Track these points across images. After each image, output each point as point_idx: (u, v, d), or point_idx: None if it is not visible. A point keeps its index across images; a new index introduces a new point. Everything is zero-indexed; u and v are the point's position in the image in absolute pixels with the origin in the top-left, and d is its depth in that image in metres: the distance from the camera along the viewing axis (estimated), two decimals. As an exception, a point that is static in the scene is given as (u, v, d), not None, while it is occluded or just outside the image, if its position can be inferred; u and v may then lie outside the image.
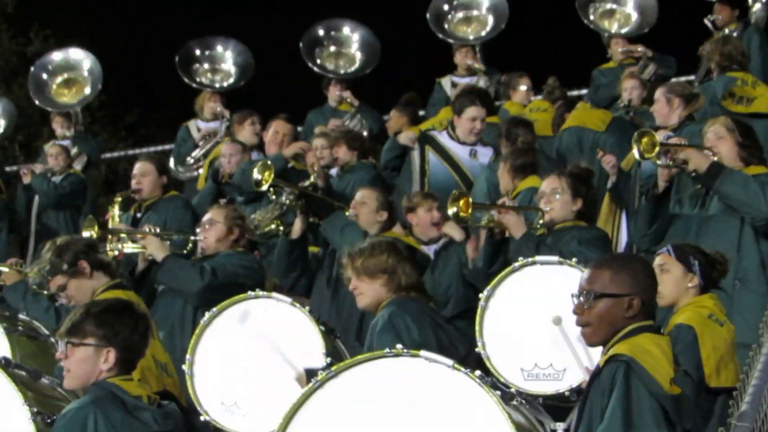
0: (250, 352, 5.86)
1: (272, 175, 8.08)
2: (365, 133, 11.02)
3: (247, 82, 12.48)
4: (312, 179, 8.80)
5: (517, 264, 5.84)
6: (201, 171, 10.90)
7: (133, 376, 4.63)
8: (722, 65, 9.40)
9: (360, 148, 9.70)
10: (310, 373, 5.36)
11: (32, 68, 12.87)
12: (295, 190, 8.11)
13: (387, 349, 4.28)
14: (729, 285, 5.98)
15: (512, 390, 4.69)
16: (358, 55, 12.39)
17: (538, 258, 5.85)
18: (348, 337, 6.69)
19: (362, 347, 5.87)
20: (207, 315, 6.02)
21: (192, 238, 7.38)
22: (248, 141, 10.29)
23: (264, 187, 8.11)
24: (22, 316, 6.79)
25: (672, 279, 5.41)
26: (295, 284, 7.76)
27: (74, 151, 11.65)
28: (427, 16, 12.30)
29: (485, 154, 9.19)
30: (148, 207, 8.74)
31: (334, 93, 11.81)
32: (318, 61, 12.28)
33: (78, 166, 11.59)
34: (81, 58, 12.56)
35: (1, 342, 6.28)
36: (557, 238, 6.65)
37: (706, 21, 11.32)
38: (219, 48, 12.62)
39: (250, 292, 6.02)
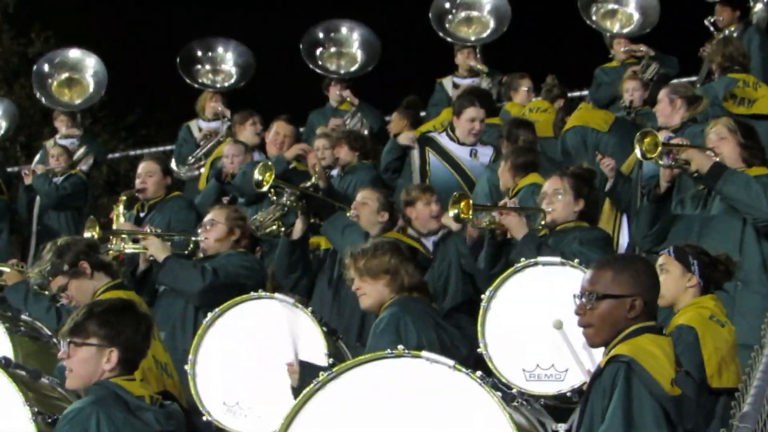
0: (252, 352, 5.86)
1: (273, 176, 8.08)
2: (366, 132, 11.03)
3: (248, 82, 12.49)
4: (313, 180, 8.81)
5: (519, 265, 5.85)
6: (202, 170, 10.90)
7: (135, 376, 4.63)
8: (723, 66, 9.39)
9: (361, 148, 9.71)
10: (305, 366, 5.37)
11: (38, 62, 12.91)
12: (296, 191, 8.10)
13: (388, 350, 4.29)
14: (731, 286, 5.97)
15: (514, 391, 4.71)
16: (359, 54, 12.40)
17: (540, 259, 5.85)
18: (349, 338, 6.69)
19: (364, 348, 5.87)
20: (209, 315, 6.02)
21: (193, 238, 7.38)
22: (249, 141, 10.30)
23: (265, 188, 8.10)
24: (24, 317, 6.80)
25: (671, 279, 5.41)
26: (296, 285, 7.75)
27: (81, 151, 11.67)
28: (430, 15, 12.31)
29: (485, 153, 9.19)
30: (152, 207, 8.74)
31: (334, 93, 11.82)
32: (320, 63, 12.29)
33: (85, 167, 11.62)
34: (86, 59, 12.57)
35: (2, 342, 6.29)
36: (559, 238, 6.65)
37: (706, 22, 11.32)
38: (220, 49, 12.63)
39: (252, 293, 6.02)
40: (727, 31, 11.06)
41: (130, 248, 7.46)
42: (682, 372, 4.17)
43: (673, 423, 4.02)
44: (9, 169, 12.44)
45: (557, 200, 6.78)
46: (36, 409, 4.92)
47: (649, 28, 11.68)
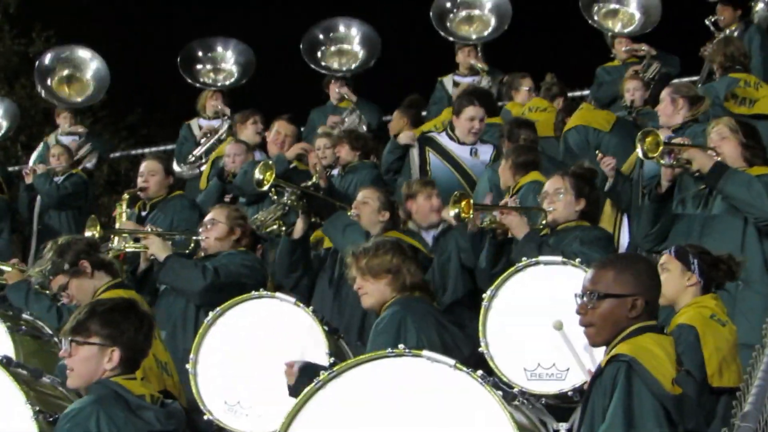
0: (253, 351, 5.86)
1: (274, 176, 8.08)
2: (364, 128, 11.04)
3: (249, 81, 12.50)
4: (314, 179, 8.81)
5: (520, 264, 5.84)
6: (203, 168, 10.91)
7: (136, 375, 4.62)
8: (724, 66, 9.39)
9: (362, 148, 9.71)
10: (304, 370, 5.37)
11: (43, 55, 12.93)
12: (297, 190, 8.10)
13: (389, 349, 4.28)
14: (732, 285, 5.97)
15: (515, 390, 4.70)
16: (360, 50, 12.41)
17: (541, 258, 5.85)
18: (350, 337, 6.69)
19: (365, 347, 5.86)
20: (211, 314, 6.02)
21: (194, 238, 7.38)
22: (251, 140, 10.31)
23: (265, 188, 8.11)
24: (25, 316, 6.81)
25: (671, 277, 5.41)
26: (297, 284, 7.75)
27: (86, 148, 11.69)
28: (430, 14, 12.32)
29: (486, 151, 9.19)
30: (154, 206, 8.74)
31: (334, 91, 11.83)
32: (323, 63, 12.31)
33: (89, 164, 11.64)
34: (91, 60, 12.57)
35: (4, 341, 6.29)
36: (560, 238, 6.65)
37: (707, 22, 11.32)
38: (219, 48, 12.65)
39: (253, 292, 6.02)
40: (728, 31, 11.06)
41: (130, 247, 7.46)
42: (683, 371, 4.16)
43: (674, 422, 4.01)
44: (10, 169, 12.46)
45: (558, 200, 6.78)
46: (37, 408, 4.92)
47: (650, 28, 11.69)
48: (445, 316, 6.01)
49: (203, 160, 11.23)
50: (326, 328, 5.85)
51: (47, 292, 7.05)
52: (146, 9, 19.04)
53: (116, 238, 7.58)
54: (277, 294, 6.06)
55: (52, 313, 7.15)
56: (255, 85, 12.64)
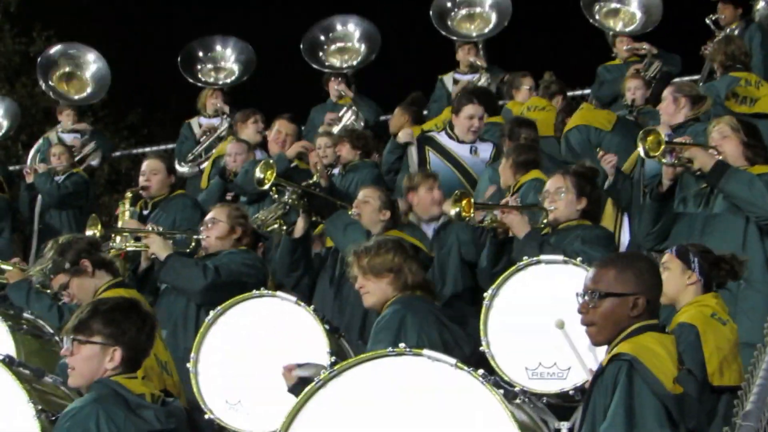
0: (253, 350, 5.85)
1: (274, 175, 8.08)
2: (362, 124, 11.04)
3: (249, 81, 12.50)
4: (315, 178, 8.81)
5: (521, 263, 5.84)
6: (204, 166, 10.92)
7: (137, 374, 4.62)
8: (725, 65, 9.38)
9: (363, 147, 9.71)
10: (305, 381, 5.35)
11: (48, 50, 12.94)
12: (298, 189, 8.10)
13: (390, 348, 4.28)
14: (733, 284, 5.97)
15: (516, 389, 4.69)
16: (361, 46, 12.42)
17: (543, 257, 5.85)
18: (351, 336, 6.68)
19: (365, 346, 5.86)
20: (212, 313, 6.02)
21: (195, 237, 7.38)
22: (251, 139, 10.31)
23: (266, 186, 8.11)
24: (26, 315, 6.81)
25: (671, 276, 5.41)
26: (298, 283, 7.75)
27: (91, 146, 11.69)
28: (431, 12, 12.32)
29: (485, 149, 9.18)
30: (155, 205, 8.75)
31: (333, 88, 11.84)
32: (326, 63, 12.31)
33: (93, 162, 11.65)
34: (95, 61, 12.58)
35: (5, 340, 6.29)
36: (561, 237, 6.64)
37: (707, 20, 11.32)
38: (219, 47, 12.66)
39: (254, 291, 6.01)
40: (728, 30, 11.06)
41: (131, 246, 7.47)
42: (684, 370, 4.16)
43: (675, 421, 4.01)
44: (11, 168, 12.47)
45: (559, 198, 6.77)
46: (40, 407, 4.92)
47: (651, 27, 11.69)
48: (445, 312, 6.00)
49: (203, 158, 11.24)
50: (327, 327, 5.85)
51: (48, 291, 7.06)
52: (146, 9, 19.05)
53: (117, 237, 7.58)
54: (278, 293, 6.06)
55: (53, 313, 7.15)
56: (255, 84, 12.66)
